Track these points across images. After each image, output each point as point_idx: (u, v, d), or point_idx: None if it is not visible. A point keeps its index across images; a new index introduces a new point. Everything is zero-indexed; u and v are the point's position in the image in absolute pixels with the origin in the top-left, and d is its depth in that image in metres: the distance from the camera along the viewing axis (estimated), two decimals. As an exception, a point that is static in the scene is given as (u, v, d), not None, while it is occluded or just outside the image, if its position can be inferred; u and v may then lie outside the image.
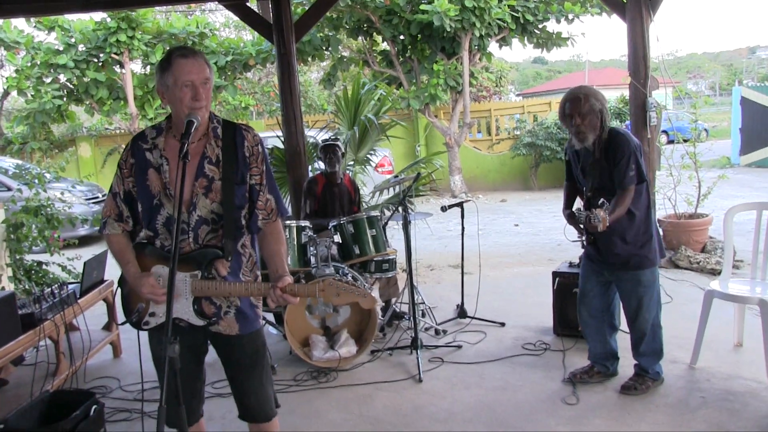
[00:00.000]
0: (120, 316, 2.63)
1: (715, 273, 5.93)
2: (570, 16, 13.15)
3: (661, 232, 6.64)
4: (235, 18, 10.27)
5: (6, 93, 13.11)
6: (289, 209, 6.52)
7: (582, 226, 3.61)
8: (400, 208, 4.67)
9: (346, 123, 7.00)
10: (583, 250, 3.85)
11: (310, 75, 22.80)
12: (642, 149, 3.58)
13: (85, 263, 4.64)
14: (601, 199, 3.51)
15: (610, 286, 3.79)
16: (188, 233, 2.33)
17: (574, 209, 3.71)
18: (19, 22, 26.18)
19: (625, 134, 3.51)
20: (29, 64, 12.66)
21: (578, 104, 3.44)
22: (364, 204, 5.95)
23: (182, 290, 2.33)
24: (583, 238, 3.71)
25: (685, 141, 6.93)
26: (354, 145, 6.83)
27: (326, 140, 5.44)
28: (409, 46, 13.55)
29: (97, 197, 10.88)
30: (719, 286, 4.01)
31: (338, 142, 5.36)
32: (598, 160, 3.52)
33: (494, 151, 15.73)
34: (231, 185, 2.33)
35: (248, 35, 16.96)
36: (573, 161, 3.73)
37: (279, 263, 2.41)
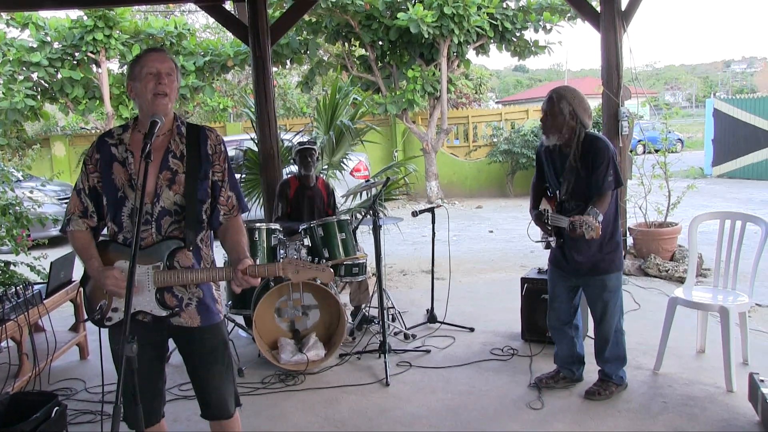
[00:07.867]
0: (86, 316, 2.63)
1: (683, 281, 5.98)
2: (548, 26, 13.29)
3: (630, 241, 6.78)
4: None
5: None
6: (262, 212, 6.49)
7: (549, 228, 3.65)
8: (370, 213, 4.67)
9: (323, 127, 6.99)
10: (548, 255, 3.89)
11: (291, 78, 22.70)
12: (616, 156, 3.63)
13: (51, 263, 4.57)
14: (575, 205, 3.54)
15: (578, 290, 3.83)
16: (151, 224, 2.40)
17: (541, 208, 3.75)
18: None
19: (603, 140, 3.53)
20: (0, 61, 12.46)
21: (548, 102, 3.51)
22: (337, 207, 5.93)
23: (145, 282, 2.36)
24: (551, 239, 3.72)
25: (656, 151, 7.03)
26: (330, 149, 6.83)
27: (302, 143, 5.39)
28: (388, 52, 13.56)
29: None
30: (683, 293, 4.08)
31: (314, 146, 5.34)
32: (574, 165, 3.53)
33: (471, 157, 15.83)
34: (194, 179, 2.43)
35: (228, 37, 16.86)
36: (546, 161, 3.73)
37: (240, 250, 2.46)
